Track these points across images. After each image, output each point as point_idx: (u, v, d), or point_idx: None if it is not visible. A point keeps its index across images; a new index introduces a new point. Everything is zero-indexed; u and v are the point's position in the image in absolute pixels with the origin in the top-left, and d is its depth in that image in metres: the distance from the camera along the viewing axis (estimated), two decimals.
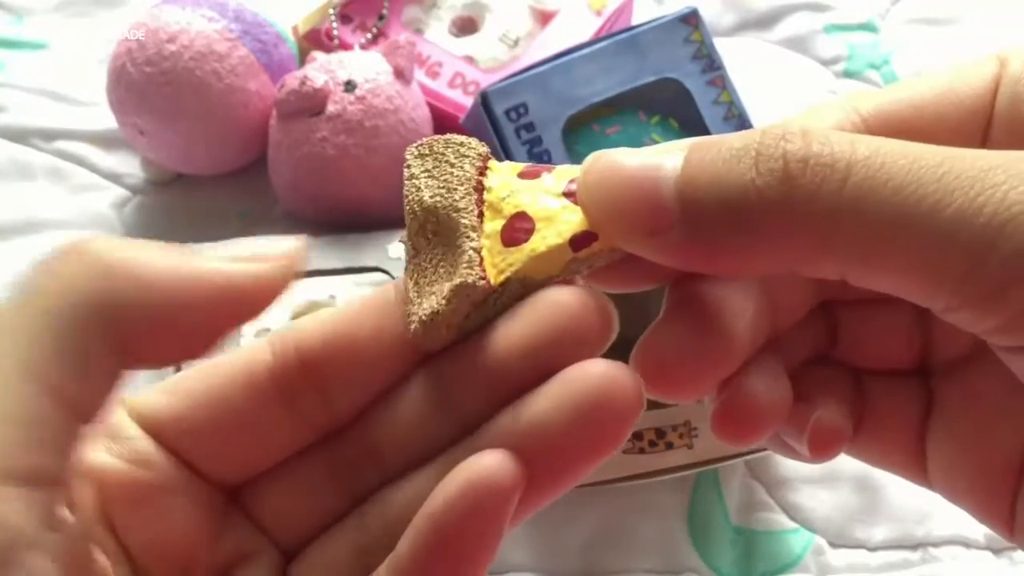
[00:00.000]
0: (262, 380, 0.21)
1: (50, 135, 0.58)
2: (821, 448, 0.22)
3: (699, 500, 0.46)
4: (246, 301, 0.20)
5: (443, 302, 0.20)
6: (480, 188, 0.22)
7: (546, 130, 0.48)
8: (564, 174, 0.21)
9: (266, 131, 0.52)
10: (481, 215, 0.21)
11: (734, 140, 0.19)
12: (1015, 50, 0.23)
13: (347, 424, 0.22)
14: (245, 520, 0.22)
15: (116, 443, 0.21)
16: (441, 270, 0.21)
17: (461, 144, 0.22)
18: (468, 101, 0.53)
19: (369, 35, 0.56)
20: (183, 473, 0.21)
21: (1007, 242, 0.17)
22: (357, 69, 0.50)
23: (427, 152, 0.22)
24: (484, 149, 0.22)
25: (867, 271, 0.18)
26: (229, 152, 0.53)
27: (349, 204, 0.51)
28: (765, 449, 0.40)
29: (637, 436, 0.42)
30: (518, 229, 0.21)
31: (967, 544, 0.45)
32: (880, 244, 0.18)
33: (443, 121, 0.54)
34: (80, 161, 0.57)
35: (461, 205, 0.21)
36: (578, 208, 0.20)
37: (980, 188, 0.17)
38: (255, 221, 0.55)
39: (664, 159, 0.19)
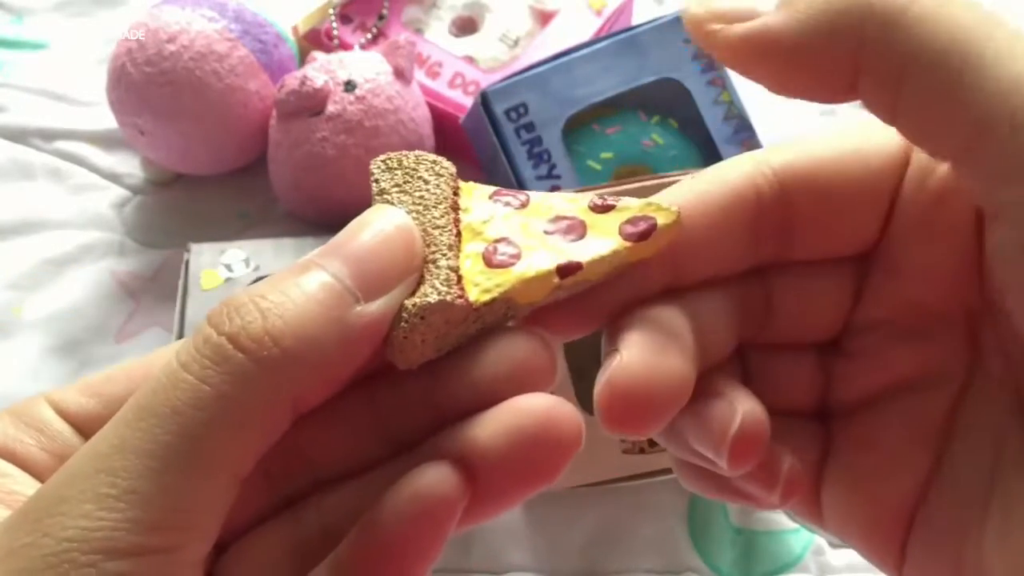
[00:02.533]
0: None
1: (50, 135, 0.58)
2: (793, 493, 0.22)
3: (699, 500, 0.46)
4: None
5: (416, 319, 0.20)
6: (456, 208, 0.22)
7: (546, 130, 0.48)
8: (543, 206, 0.22)
9: (266, 131, 0.52)
10: (459, 235, 0.21)
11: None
12: None
13: None
14: None
15: (45, 437, 0.21)
16: None
17: (434, 162, 0.22)
18: (468, 101, 0.53)
19: (369, 35, 0.56)
20: None
21: None
22: (357, 69, 0.50)
23: (395, 166, 0.22)
24: (454, 169, 0.22)
25: None
26: (229, 152, 0.53)
27: (349, 204, 0.51)
28: None
29: None
30: (503, 253, 0.21)
31: None
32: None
33: (443, 121, 0.53)
34: (80, 161, 0.57)
35: (441, 223, 0.21)
36: (562, 238, 0.21)
37: None
38: (255, 221, 0.55)
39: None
